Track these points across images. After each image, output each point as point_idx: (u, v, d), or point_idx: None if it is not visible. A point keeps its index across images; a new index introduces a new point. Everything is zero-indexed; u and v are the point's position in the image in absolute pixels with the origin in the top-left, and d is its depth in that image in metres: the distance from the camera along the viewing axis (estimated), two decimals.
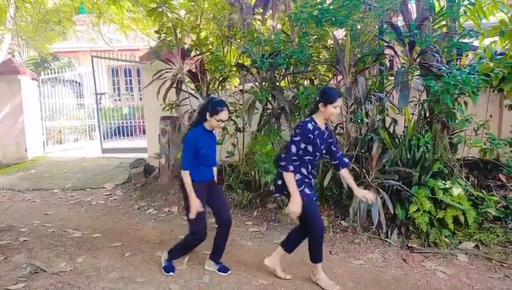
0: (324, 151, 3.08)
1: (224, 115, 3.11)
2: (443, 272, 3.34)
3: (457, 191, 3.91)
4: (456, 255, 3.61)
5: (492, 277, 3.27)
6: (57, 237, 4.20)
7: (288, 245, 3.23)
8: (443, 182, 4.02)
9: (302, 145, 2.93)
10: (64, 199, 5.80)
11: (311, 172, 3.10)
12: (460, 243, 3.78)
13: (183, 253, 3.44)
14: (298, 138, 2.92)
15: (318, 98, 3.04)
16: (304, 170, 3.01)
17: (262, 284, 3.18)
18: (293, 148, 2.91)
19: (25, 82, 8.62)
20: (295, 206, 2.88)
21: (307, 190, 2.99)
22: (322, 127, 3.00)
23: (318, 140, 2.95)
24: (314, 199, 3.05)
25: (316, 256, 3.09)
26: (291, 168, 2.89)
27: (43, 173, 7.36)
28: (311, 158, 3.00)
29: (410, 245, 3.81)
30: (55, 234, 4.32)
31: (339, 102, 2.94)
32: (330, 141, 3.09)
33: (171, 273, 3.32)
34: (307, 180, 3.03)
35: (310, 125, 2.94)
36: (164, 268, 3.35)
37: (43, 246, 3.95)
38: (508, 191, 4.24)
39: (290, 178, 2.90)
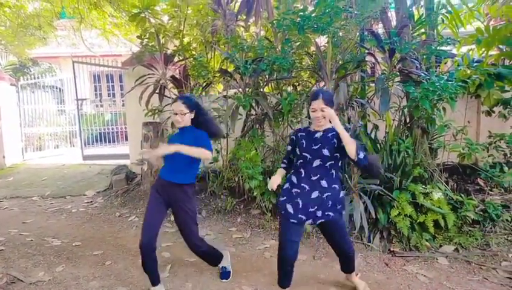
0: (326, 154, 2.71)
1: (174, 106, 3.10)
2: (425, 276, 3.39)
3: (437, 195, 3.98)
4: (437, 259, 3.67)
5: (471, 279, 3.33)
6: (36, 246, 4.09)
7: (342, 267, 3.13)
8: (423, 186, 4.10)
9: (288, 148, 2.98)
10: (43, 207, 5.66)
11: (309, 181, 2.75)
12: (440, 246, 3.84)
13: None
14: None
15: None
16: (294, 178, 2.82)
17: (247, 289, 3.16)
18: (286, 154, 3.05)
19: (3, 87, 8.42)
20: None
21: (288, 206, 2.76)
22: (316, 130, 2.83)
23: (303, 141, 2.83)
24: (292, 221, 2.73)
25: (278, 279, 2.88)
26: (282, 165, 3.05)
27: (22, 180, 7.17)
28: (302, 161, 2.79)
29: (391, 249, 3.85)
30: (33, 242, 4.20)
31: (314, 104, 2.75)
32: (335, 142, 2.75)
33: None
34: (295, 189, 2.77)
35: (297, 130, 2.99)
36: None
37: (20, 255, 3.84)
38: (486, 195, 4.35)
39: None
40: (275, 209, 4.63)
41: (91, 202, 5.79)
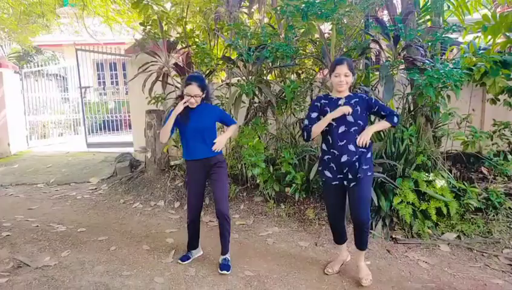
0: (350, 120, 2.88)
1: (189, 89, 3.10)
2: (426, 262, 3.41)
3: (440, 183, 3.98)
4: (439, 246, 3.69)
5: (473, 266, 3.35)
6: (41, 232, 4.14)
7: (355, 241, 3.13)
8: (426, 174, 4.09)
9: (313, 115, 3.02)
10: (48, 194, 5.72)
11: (337, 146, 2.92)
12: (442, 233, 3.86)
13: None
14: (308, 110, 3.09)
15: None
16: (324, 146, 3.03)
17: (249, 275, 3.19)
18: (305, 121, 3.06)
19: (7, 75, 8.43)
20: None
21: (326, 172, 3.02)
22: (339, 97, 2.97)
23: (327, 109, 2.96)
24: (333, 183, 2.99)
25: (333, 238, 3.30)
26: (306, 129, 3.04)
27: (27, 167, 7.23)
28: (328, 128, 2.95)
29: (394, 236, 3.87)
30: (39, 228, 4.26)
31: (338, 69, 2.88)
32: (358, 109, 2.91)
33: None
34: (327, 156, 3.00)
35: (319, 98, 3.07)
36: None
37: (26, 241, 3.89)
38: (490, 183, 4.34)
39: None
40: (277, 197, 4.66)
41: (96, 189, 5.84)
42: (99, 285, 3.02)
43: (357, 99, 2.95)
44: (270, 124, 5.10)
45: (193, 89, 3.09)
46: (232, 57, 5.11)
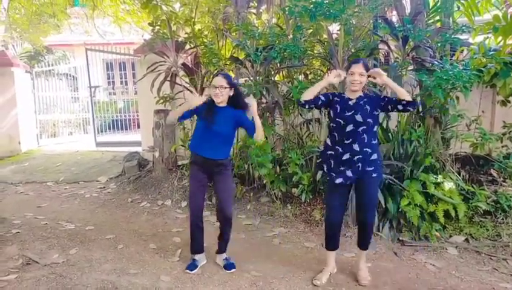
0: (358, 120, 2.88)
1: (214, 81, 3.12)
2: (433, 265, 3.38)
3: (448, 185, 3.94)
4: (446, 249, 3.66)
5: (481, 269, 3.32)
6: (50, 229, 4.19)
7: (358, 241, 3.17)
8: (434, 176, 4.05)
9: (323, 98, 3.04)
10: (57, 192, 5.78)
11: (341, 143, 2.93)
12: (450, 236, 3.83)
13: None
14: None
15: None
16: (329, 141, 3.04)
17: (255, 276, 3.20)
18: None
19: (18, 74, 8.55)
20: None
21: (324, 166, 3.03)
22: (350, 97, 2.98)
23: (337, 106, 2.98)
24: (337, 181, 2.93)
25: (325, 242, 3.19)
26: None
27: (37, 166, 7.32)
28: (335, 125, 2.97)
29: (401, 239, 3.85)
30: (48, 226, 4.31)
31: (354, 68, 2.90)
32: (367, 108, 2.93)
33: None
34: (329, 152, 3.00)
35: (334, 93, 3.13)
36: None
37: (35, 238, 3.94)
38: (499, 186, 4.29)
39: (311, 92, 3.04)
40: (284, 197, 4.66)
41: (104, 187, 5.89)
42: (106, 283, 3.05)
43: (366, 99, 2.98)
44: (277, 124, 5.10)
45: (219, 79, 3.09)
46: (240, 58, 5.12)
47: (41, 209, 4.99)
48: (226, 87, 3.08)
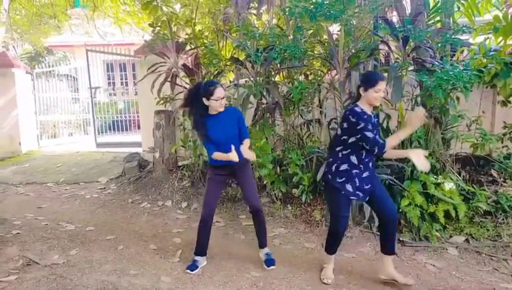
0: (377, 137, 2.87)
1: (219, 92, 3.11)
2: (434, 265, 3.38)
3: (448, 185, 3.94)
4: (447, 249, 3.65)
5: (481, 270, 3.32)
6: (50, 230, 4.20)
7: (384, 247, 3.12)
8: (435, 176, 4.05)
9: (370, 126, 2.83)
10: (58, 193, 5.79)
11: (364, 162, 2.92)
12: (450, 237, 3.82)
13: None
14: (360, 124, 2.79)
15: (359, 84, 2.97)
16: (354, 159, 2.91)
17: (255, 276, 3.20)
18: (368, 134, 2.79)
19: (18, 75, 8.56)
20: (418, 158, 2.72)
21: (348, 186, 2.92)
22: (369, 112, 2.90)
23: (370, 125, 2.88)
24: (351, 197, 2.94)
25: (326, 247, 3.22)
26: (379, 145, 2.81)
27: (37, 166, 7.33)
28: (363, 144, 2.88)
29: (401, 239, 3.84)
30: (48, 227, 4.32)
31: (381, 85, 2.81)
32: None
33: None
34: (355, 170, 2.92)
35: (358, 109, 2.86)
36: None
37: (36, 239, 3.95)
38: (499, 186, 4.28)
39: (391, 153, 2.91)
40: (284, 198, 4.65)
41: (104, 188, 5.90)
42: (106, 283, 3.05)
43: (377, 118, 3.07)
44: (278, 125, 5.10)
45: (221, 90, 3.13)
46: (240, 58, 5.12)
47: (41, 210, 4.99)
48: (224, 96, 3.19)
